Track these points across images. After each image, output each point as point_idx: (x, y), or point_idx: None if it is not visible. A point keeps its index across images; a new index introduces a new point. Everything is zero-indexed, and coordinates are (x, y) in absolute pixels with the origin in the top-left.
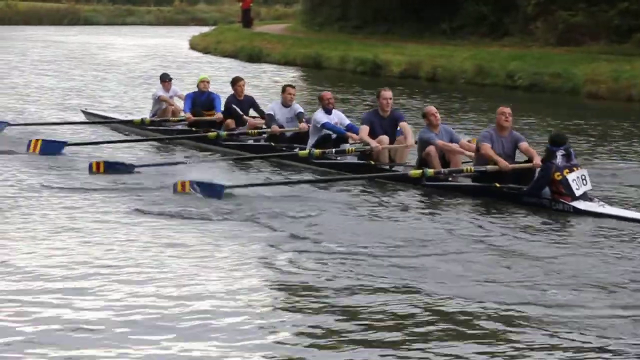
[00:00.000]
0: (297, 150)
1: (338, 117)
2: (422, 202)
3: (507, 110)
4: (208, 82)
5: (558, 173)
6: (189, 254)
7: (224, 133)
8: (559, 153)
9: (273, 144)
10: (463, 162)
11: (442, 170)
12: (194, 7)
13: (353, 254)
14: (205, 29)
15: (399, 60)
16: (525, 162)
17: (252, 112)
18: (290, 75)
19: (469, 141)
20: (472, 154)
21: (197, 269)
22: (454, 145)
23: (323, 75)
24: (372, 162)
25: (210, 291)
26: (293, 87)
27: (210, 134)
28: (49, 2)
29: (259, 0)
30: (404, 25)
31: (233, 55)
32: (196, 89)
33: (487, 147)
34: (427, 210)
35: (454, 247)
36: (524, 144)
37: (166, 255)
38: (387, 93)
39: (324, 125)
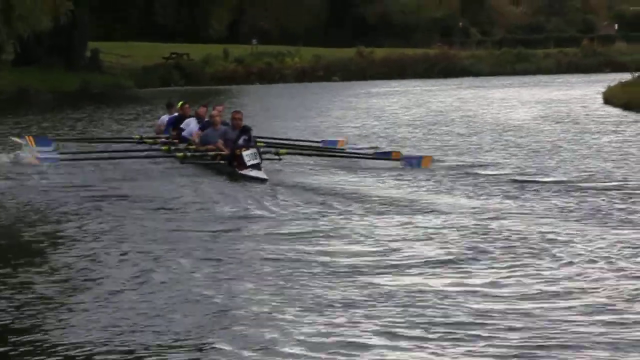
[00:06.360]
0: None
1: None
2: (181, 174)
3: (238, 115)
4: (187, 108)
5: (238, 150)
6: None
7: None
8: (243, 138)
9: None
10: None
11: (192, 152)
12: (610, 48)
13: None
14: (626, 76)
15: None
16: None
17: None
18: None
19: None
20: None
21: None
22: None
23: None
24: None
25: None
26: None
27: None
28: (415, 47)
29: None
30: None
31: None
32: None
33: (214, 142)
34: (178, 179)
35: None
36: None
37: None
38: (215, 112)
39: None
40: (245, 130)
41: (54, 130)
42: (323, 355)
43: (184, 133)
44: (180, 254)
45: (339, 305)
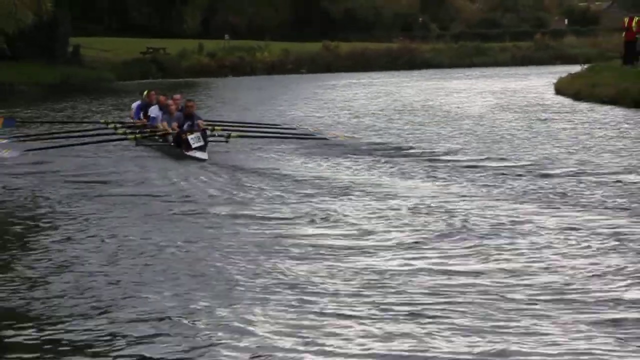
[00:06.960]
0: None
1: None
2: (135, 154)
3: (190, 103)
4: (152, 95)
5: (184, 135)
6: None
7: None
8: (187, 123)
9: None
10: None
11: (143, 134)
12: (560, 42)
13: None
14: (576, 68)
15: None
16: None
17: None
18: None
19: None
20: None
21: None
22: (163, 123)
23: None
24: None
25: None
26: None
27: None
28: (378, 41)
29: None
30: None
31: (613, 101)
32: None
33: (165, 124)
34: (135, 160)
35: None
36: (200, 121)
37: None
38: (170, 101)
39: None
40: (191, 116)
41: (36, 118)
42: (283, 335)
43: (151, 119)
44: (115, 236)
45: (288, 286)
